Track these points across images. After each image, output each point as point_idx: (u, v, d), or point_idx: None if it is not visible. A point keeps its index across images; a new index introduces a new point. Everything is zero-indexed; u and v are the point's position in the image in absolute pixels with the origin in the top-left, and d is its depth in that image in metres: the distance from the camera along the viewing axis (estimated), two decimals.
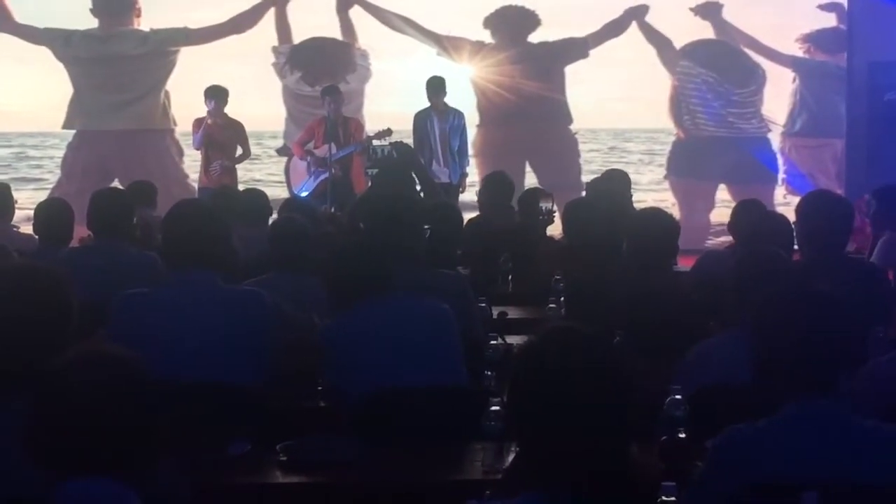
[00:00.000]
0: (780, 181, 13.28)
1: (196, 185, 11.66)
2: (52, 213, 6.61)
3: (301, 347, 4.40)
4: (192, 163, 13.04)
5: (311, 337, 4.38)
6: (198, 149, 11.13)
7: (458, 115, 11.12)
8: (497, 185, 8.15)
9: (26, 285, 2.98)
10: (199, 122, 10.97)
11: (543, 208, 7.56)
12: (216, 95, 10.87)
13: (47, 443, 2.40)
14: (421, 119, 10.92)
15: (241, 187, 10.02)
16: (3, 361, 2.87)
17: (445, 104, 10.99)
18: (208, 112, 10.87)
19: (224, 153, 10.95)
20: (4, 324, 2.91)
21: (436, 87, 10.90)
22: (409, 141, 10.70)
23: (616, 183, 8.04)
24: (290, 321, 4.45)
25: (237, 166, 11.13)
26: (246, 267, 5.59)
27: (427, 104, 10.96)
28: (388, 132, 10.62)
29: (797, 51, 13.30)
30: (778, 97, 13.34)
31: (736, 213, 6.47)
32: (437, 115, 10.91)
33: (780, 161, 13.32)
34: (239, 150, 11.06)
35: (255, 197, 7.71)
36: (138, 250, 5.92)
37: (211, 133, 10.89)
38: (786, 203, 11.93)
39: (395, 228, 4.93)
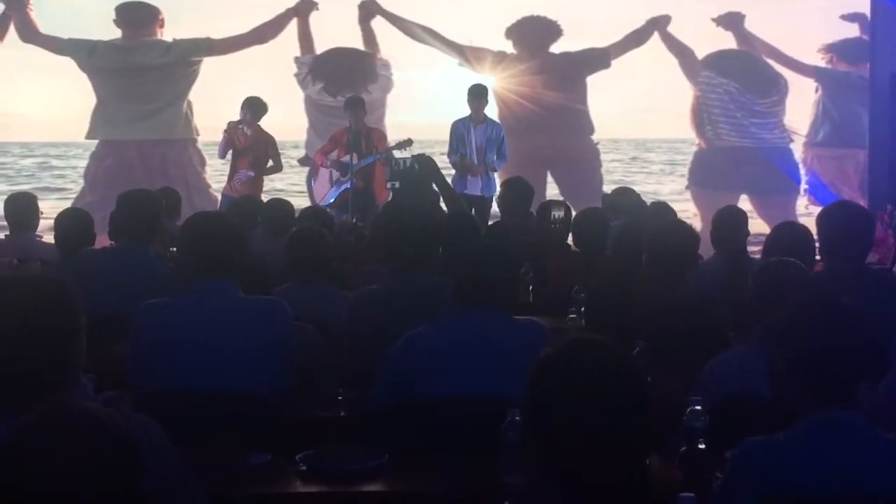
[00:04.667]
0: (802, 191, 13.25)
1: (218, 195, 11.74)
2: (71, 223, 6.62)
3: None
4: (214, 172, 13.11)
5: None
6: (221, 157, 11.20)
7: (497, 127, 11.00)
8: (517, 190, 8.15)
9: (29, 297, 2.80)
10: (226, 131, 11.03)
11: (555, 216, 7.56)
12: (250, 107, 10.96)
13: None
14: (458, 127, 10.83)
15: (263, 198, 10.04)
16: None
17: (485, 115, 10.91)
18: (239, 121, 10.93)
19: (250, 164, 10.99)
20: (4, 336, 2.74)
21: (476, 94, 10.80)
22: (440, 149, 10.64)
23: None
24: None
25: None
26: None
27: (464, 113, 10.85)
28: (409, 142, 10.61)
29: (820, 61, 13.28)
30: (800, 107, 13.31)
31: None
32: (476, 125, 10.82)
33: (802, 171, 13.29)
34: (271, 163, 11.12)
35: (280, 207, 7.69)
36: (158, 257, 5.87)
37: (236, 143, 10.94)
38: (808, 213, 11.90)
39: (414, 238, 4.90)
